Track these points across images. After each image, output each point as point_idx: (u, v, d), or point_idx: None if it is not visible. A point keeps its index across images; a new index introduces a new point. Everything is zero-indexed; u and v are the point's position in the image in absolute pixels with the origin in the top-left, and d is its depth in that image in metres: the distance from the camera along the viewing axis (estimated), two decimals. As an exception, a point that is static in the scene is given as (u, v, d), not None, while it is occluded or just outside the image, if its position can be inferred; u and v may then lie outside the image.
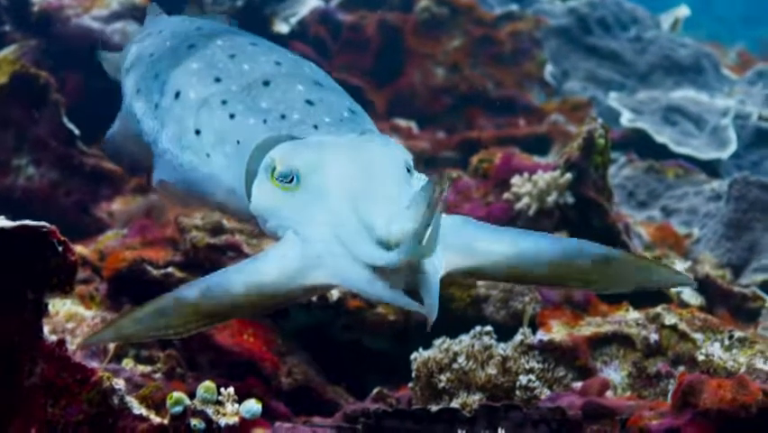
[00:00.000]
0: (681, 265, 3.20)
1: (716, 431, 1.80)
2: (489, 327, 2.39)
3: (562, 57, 5.68)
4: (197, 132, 1.75)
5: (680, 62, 5.84)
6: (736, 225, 3.70)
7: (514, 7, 5.63)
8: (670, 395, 2.07)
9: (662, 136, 4.75)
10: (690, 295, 3.06)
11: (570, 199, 3.00)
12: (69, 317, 2.53)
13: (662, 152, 4.63)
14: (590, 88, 5.57)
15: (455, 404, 2.23)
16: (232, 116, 1.70)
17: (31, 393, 1.60)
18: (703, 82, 5.79)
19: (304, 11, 4.74)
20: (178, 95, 1.82)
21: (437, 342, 2.37)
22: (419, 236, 1.40)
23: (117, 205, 3.51)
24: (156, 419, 1.67)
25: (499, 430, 1.84)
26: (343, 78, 4.06)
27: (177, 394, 1.67)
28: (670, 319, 2.41)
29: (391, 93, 4.91)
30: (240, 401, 1.73)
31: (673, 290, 2.94)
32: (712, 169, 4.65)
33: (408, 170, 1.59)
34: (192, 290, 1.52)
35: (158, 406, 1.77)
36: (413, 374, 2.36)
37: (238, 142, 1.68)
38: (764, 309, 3.10)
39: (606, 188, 3.12)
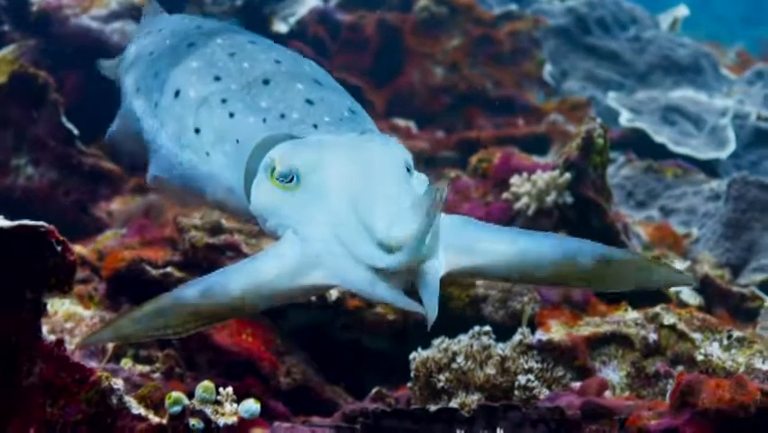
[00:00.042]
0: (680, 265, 3.21)
1: (714, 431, 1.80)
2: (487, 327, 2.39)
3: (560, 57, 5.68)
4: (197, 130, 1.75)
5: (679, 62, 5.84)
6: (735, 224, 3.71)
7: (513, 7, 5.63)
8: (668, 395, 2.07)
9: (661, 136, 4.75)
10: (688, 295, 3.06)
11: (569, 199, 3.00)
12: (68, 317, 2.53)
13: (660, 152, 4.63)
14: (589, 88, 5.58)
15: (454, 404, 2.23)
16: (231, 115, 1.70)
17: (29, 393, 1.60)
18: (702, 82, 5.79)
19: (303, 11, 4.75)
20: (177, 93, 1.82)
21: (436, 342, 2.37)
22: (421, 241, 1.40)
23: (116, 204, 3.51)
24: (155, 419, 1.67)
25: (498, 430, 1.84)
26: (342, 77, 4.05)
27: (175, 394, 1.67)
28: (668, 319, 2.41)
29: (390, 93, 4.91)
30: (238, 401, 1.73)
31: (672, 289, 2.94)
32: (711, 168, 4.65)
33: (408, 170, 1.59)
34: (191, 290, 1.52)
35: (156, 406, 1.77)
36: (412, 374, 2.36)
37: (237, 140, 1.68)
38: (763, 309, 3.10)
39: (605, 188, 3.12)
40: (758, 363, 2.10)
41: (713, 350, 2.20)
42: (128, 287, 2.70)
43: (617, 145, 4.51)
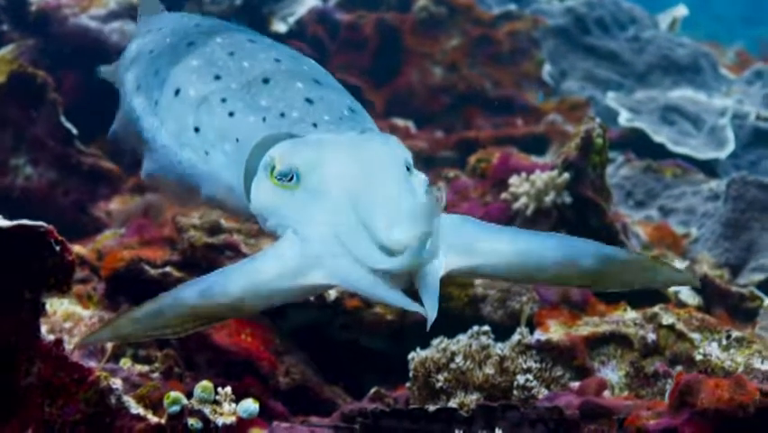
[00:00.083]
0: (679, 265, 3.20)
1: (713, 431, 1.80)
2: (486, 327, 2.39)
3: (560, 56, 5.68)
4: (197, 129, 1.75)
5: (678, 62, 5.84)
6: (734, 224, 3.71)
7: (512, 7, 5.63)
8: (667, 395, 2.07)
9: (660, 136, 4.75)
10: (687, 295, 3.06)
11: (567, 199, 3.00)
12: (67, 317, 2.53)
13: (659, 152, 4.63)
14: (588, 88, 5.58)
15: (453, 404, 2.23)
16: (231, 114, 1.70)
17: (28, 393, 1.60)
18: (701, 82, 5.79)
19: (302, 10, 4.74)
20: (177, 92, 1.82)
21: (435, 342, 2.37)
22: (422, 245, 1.40)
23: (115, 204, 3.51)
24: (153, 419, 1.67)
25: (497, 430, 1.84)
26: (341, 77, 4.05)
27: (174, 394, 1.67)
28: (667, 319, 2.41)
29: (389, 92, 4.91)
30: (237, 401, 1.73)
31: (671, 289, 2.94)
32: (710, 168, 4.65)
33: (408, 169, 1.59)
34: (190, 290, 1.51)
35: (155, 405, 1.77)
36: (410, 374, 2.36)
37: (237, 140, 1.68)
38: (762, 309, 3.10)
39: (604, 188, 3.12)
40: (757, 363, 2.10)
41: (712, 350, 2.20)
42: (127, 287, 2.70)
43: (616, 145, 4.51)
